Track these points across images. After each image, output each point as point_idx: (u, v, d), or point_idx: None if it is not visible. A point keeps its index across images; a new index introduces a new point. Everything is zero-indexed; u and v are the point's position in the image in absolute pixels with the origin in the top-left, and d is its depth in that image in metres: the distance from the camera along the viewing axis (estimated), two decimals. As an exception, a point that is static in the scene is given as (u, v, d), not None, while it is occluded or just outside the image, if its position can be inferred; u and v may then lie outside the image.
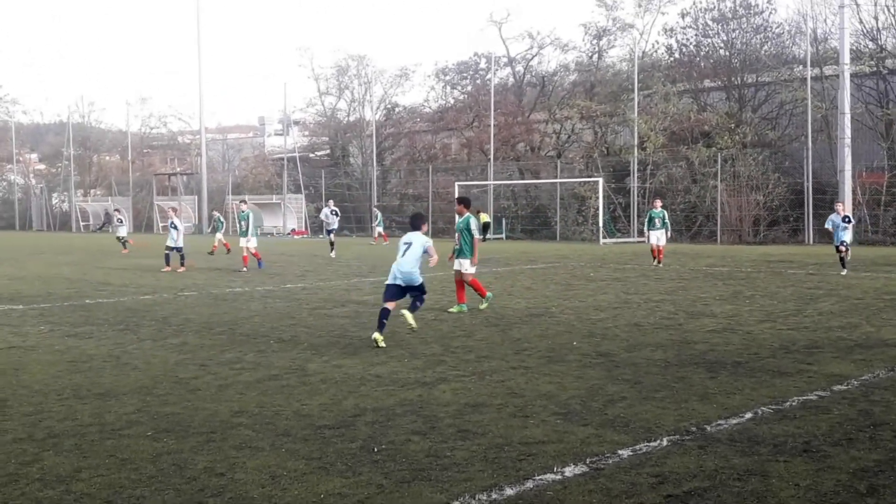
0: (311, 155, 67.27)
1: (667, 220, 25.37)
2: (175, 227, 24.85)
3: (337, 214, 35.57)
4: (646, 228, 25.89)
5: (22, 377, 9.09)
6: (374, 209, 47.85)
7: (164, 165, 72.84)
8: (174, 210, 26.66)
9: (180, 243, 24.71)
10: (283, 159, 63.12)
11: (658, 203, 26.13)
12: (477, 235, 14.74)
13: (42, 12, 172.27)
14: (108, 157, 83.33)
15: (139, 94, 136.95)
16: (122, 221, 38.78)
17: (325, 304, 15.79)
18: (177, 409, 7.55)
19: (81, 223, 72.56)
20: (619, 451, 6.22)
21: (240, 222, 25.40)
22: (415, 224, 12.21)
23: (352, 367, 9.56)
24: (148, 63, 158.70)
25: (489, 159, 51.11)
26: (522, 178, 52.56)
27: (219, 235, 33.65)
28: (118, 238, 36.96)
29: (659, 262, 24.55)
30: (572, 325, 12.83)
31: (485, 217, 45.57)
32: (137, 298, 16.98)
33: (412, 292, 11.81)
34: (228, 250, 32.59)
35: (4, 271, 24.72)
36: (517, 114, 55.03)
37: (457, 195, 46.50)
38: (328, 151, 66.24)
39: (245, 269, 24.03)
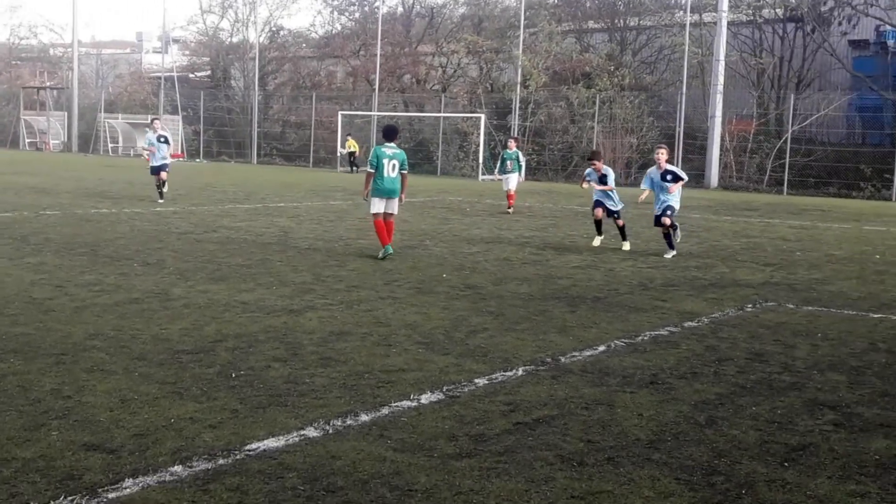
0: (191, 75, 64.97)
1: (521, 163, 22.40)
2: (166, 142, 21.79)
3: (167, 142, 22.01)
4: (496, 171, 23.17)
5: None
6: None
7: (34, 79, 69.00)
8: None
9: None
10: (160, 78, 60.80)
11: (512, 144, 22.92)
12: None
13: None
14: (-28, 67, 78.37)
15: (8, 2, 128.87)
16: None
17: (196, 228, 15.44)
18: (28, 330, 7.30)
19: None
20: (476, 380, 6.37)
21: None
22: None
23: (218, 292, 9.42)
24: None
25: (374, 90, 50.55)
26: (407, 111, 52.26)
27: None
28: None
29: (509, 209, 21.66)
30: (444, 258, 12.97)
31: (352, 144, 44.64)
32: (-5, 216, 16.23)
33: None
34: None
35: None
36: (404, 45, 54.41)
37: (341, 124, 45.97)
38: (209, 73, 64.12)
39: None
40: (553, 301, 9.66)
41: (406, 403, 5.76)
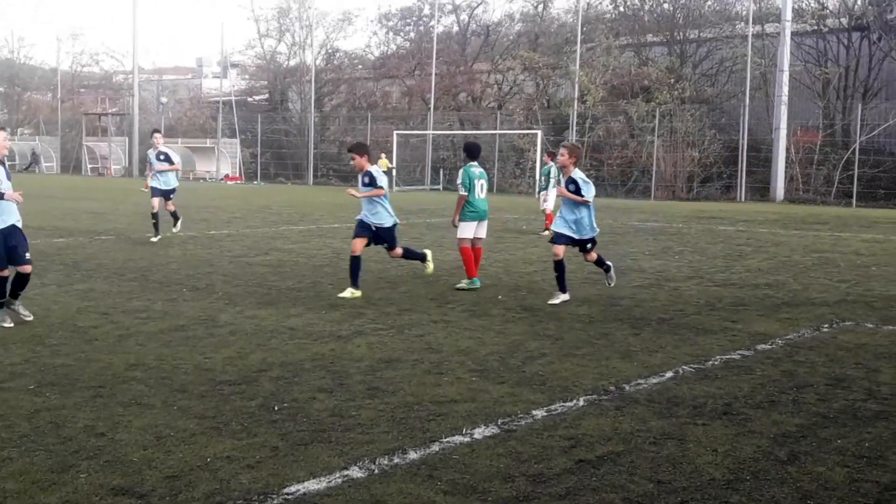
0: (249, 99, 65.62)
1: (551, 178, 19.76)
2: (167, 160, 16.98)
3: (168, 160, 16.93)
4: (544, 188, 20.47)
5: None
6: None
7: (96, 105, 70.34)
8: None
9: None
10: (219, 102, 61.49)
11: (547, 158, 20.97)
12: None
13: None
14: (38, 96, 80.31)
15: (70, 30, 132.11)
16: None
17: (248, 252, 15.25)
18: (68, 361, 7.05)
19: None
20: (533, 412, 5.94)
21: None
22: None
23: (266, 318, 9.13)
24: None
25: (429, 108, 50.41)
26: (463, 129, 51.97)
27: None
28: None
29: (546, 230, 18.93)
30: (499, 278, 12.54)
31: (385, 163, 42.50)
32: (50, 241, 16.21)
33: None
34: None
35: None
36: (460, 63, 54.26)
37: (396, 143, 45.77)
38: (266, 96, 64.69)
39: None
40: (615, 323, 9.16)
41: (458, 439, 5.35)
